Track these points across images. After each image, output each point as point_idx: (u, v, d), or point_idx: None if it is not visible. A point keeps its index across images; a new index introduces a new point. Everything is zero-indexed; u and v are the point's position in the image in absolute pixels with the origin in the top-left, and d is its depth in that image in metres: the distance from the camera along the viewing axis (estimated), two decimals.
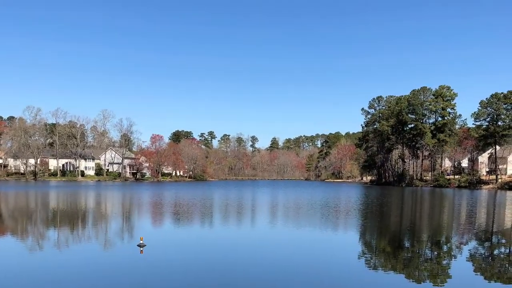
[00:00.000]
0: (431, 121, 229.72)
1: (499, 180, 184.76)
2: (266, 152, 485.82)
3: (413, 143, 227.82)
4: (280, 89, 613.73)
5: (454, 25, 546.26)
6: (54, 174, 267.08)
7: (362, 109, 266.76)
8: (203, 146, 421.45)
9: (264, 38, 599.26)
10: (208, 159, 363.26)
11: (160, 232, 50.02)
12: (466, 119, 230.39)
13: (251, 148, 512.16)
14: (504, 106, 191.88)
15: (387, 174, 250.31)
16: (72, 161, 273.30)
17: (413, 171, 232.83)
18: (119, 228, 52.56)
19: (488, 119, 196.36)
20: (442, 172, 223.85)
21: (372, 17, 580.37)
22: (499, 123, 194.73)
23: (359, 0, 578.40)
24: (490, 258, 37.07)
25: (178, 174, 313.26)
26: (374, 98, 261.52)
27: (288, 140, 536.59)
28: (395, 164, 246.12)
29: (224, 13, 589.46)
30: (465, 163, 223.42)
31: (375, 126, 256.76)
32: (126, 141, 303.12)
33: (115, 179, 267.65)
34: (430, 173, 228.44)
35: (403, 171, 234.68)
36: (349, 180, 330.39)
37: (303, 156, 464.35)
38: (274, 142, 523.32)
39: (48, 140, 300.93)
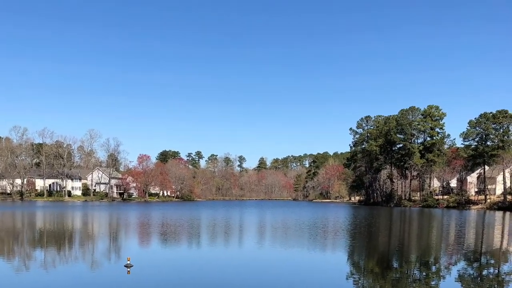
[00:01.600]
0: (419, 141, 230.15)
1: (488, 200, 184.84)
2: (253, 172, 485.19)
3: (402, 163, 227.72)
4: (267, 108, 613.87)
5: (443, 45, 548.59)
6: (40, 194, 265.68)
7: (350, 129, 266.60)
8: (190, 166, 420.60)
9: (252, 58, 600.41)
10: (196, 179, 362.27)
11: (147, 252, 49.73)
12: (454, 139, 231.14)
13: (238, 168, 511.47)
14: (493, 126, 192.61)
15: (375, 194, 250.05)
16: (59, 181, 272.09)
17: (402, 191, 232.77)
18: (106, 249, 52.26)
19: (477, 139, 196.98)
20: (430, 192, 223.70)
21: (360, 36, 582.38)
22: (488, 143, 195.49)
23: (346, 19, 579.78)
24: (479, 278, 36.93)
25: (165, 194, 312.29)
26: (362, 118, 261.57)
27: (276, 160, 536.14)
28: (384, 184, 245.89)
29: (211, 32, 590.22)
30: (454, 183, 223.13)
31: (363, 146, 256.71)
32: (113, 161, 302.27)
33: (102, 199, 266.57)
34: (418, 193, 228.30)
35: (392, 191, 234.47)
36: (337, 200, 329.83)
37: (291, 176, 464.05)
38: (261, 162, 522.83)
39: (35, 160, 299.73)
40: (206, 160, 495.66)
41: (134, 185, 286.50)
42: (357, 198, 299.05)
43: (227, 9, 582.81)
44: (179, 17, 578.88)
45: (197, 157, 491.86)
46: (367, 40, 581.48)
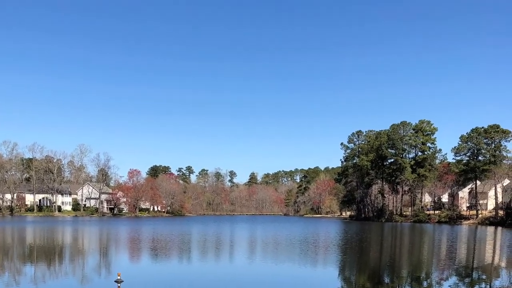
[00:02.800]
0: (411, 156, 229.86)
1: (480, 216, 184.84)
2: (244, 187, 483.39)
3: (393, 178, 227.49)
4: (258, 122, 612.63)
5: (434, 59, 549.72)
6: (30, 209, 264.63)
7: (342, 143, 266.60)
8: (181, 181, 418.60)
9: (242, 72, 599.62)
10: (186, 194, 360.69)
11: (138, 267, 49.53)
12: (446, 154, 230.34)
13: (229, 183, 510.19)
14: (485, 140, 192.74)
15: (366, 210, 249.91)
16: (49, 196, 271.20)
17: (393, 206, 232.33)
18: (96, 264, 52.04)
19: (468, 154, 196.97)
20: (422, 207, 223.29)
21: (350, 51, 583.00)
22: (480, 158, 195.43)
23: (336, 33, 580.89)
24: None
25: (155, 209, 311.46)
26: (353, 133, 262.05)
27: (267, 175, 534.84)
28: (375, 199, 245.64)
29: (202, 46, 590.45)
30: (445, 198, 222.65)
31: (355, 161, 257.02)
32: (104, 176, 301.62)
33: (92, 214, 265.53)
34: (410, 208, 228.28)
35: (383, 206, 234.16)
36: (328, 216, 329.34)
37: (282, 191, 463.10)
38: (252, 177, 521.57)
39: (25, 175, 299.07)
40: (196, 175, 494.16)
41: (125, 200, 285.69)
42: (348, 213, 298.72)
43: (217, 23, 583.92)
44: (169, 31, 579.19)
45: (187, 172, 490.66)
46: (357, 54, 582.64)
